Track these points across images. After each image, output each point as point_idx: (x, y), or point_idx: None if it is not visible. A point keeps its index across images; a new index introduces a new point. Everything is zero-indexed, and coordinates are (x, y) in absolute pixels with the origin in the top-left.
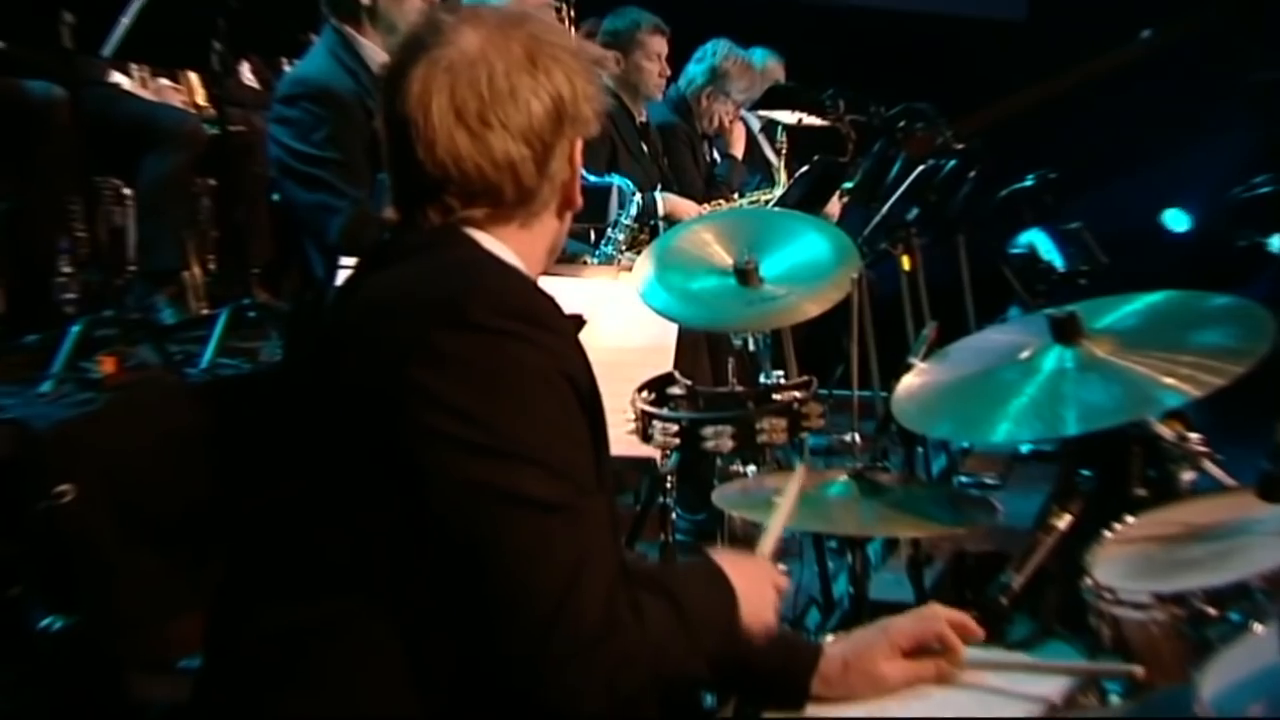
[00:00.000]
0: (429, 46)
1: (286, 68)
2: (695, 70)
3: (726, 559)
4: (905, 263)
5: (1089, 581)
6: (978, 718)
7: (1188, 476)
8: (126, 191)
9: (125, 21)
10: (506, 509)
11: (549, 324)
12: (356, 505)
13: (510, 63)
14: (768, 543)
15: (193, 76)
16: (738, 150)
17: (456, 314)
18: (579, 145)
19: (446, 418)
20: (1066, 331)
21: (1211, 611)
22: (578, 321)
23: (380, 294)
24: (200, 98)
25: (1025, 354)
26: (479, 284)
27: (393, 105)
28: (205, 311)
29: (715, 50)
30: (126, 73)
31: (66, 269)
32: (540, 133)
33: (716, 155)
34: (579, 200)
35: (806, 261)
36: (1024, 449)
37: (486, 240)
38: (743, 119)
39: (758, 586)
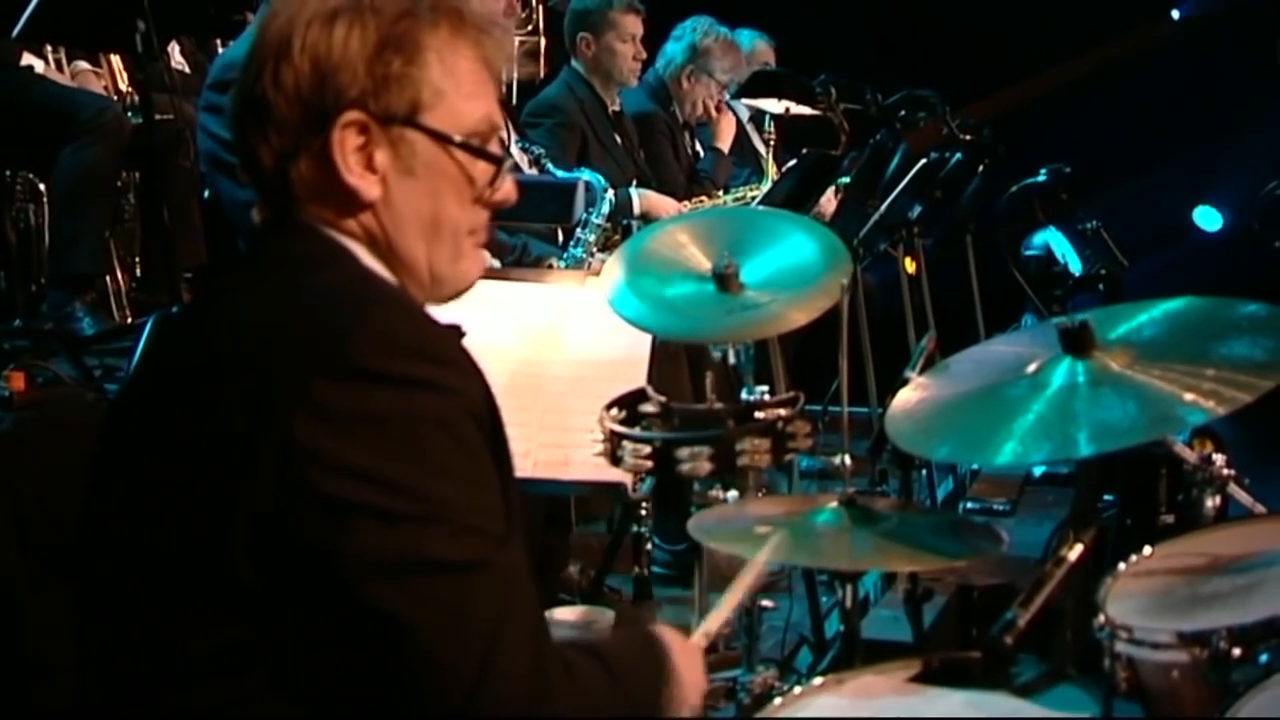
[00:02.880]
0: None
1: (220, 50)
2: (673, 49)
3: (668, 632)
4: (908, 266)
5: (1103, 619)
6: (981, 718)
7: (1212, 503)
8: (41, 187)
9: None
10: (415, 577)
11: (442, 357)
12: (236, 574)
13: (405, 27)
14: (711, 624)
15: (115, 59)
16: (724, 142)
17: (341, 359)
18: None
19: (338, 480)
20: (1077, 342)
21: (1237, 652)
22: (456, 333)
23: (247, 323)
24: (123, 83)
25: (1032, 367)
26: (363, 319)
27: (248, 75)
28: (129, 321)
29: (695, 26)
30: (40, 55)
31: None
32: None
33: (700, 147)
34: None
35: (793, 265)
36: (1037, 472)
37: (359, 252)
38: (730, 108)
39: (693, 671)
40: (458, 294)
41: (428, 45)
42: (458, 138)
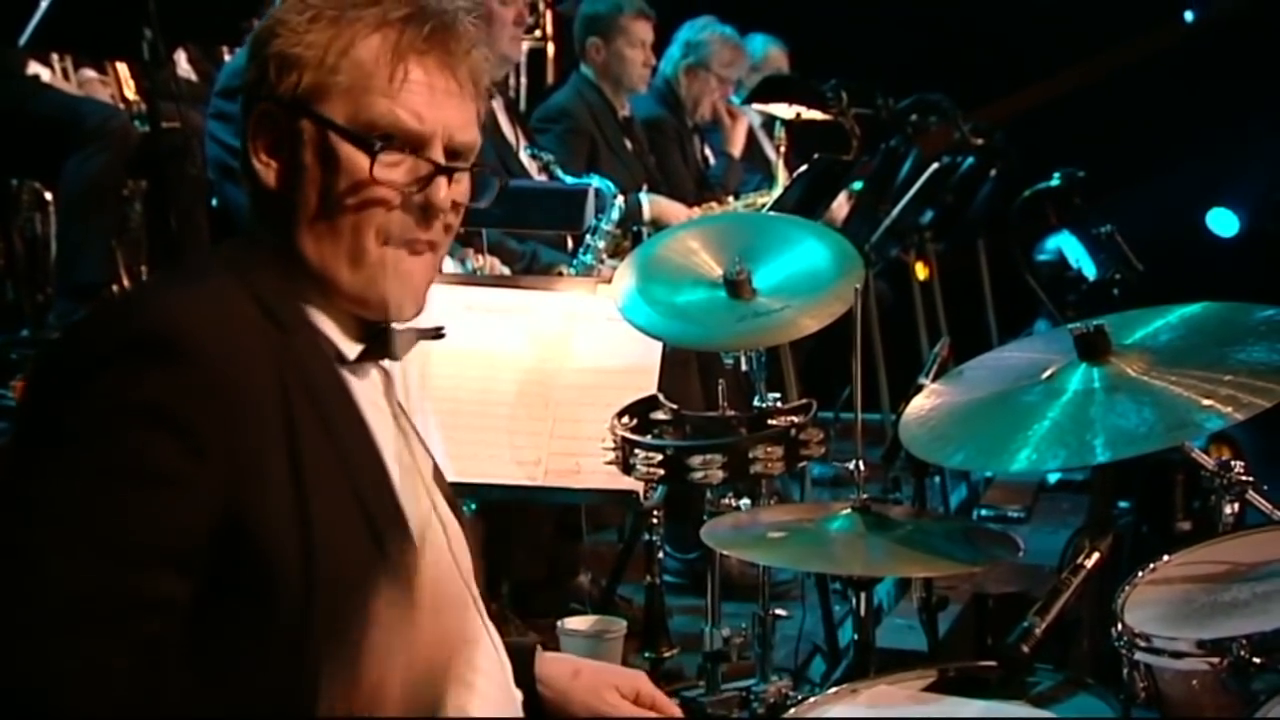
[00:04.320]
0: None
1: (227, 58)
2: (672, 49)
3: None
4: (920, 271)
5: (1121, 627)
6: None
7: (1230, 510)
8: (47, 196)
9: (44, 5)
10: None
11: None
12: None
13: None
14: None
15: (121, 67)
16: (736, 148)
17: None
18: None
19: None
20: (1093, 348)
21: (1257, 661)
22: (434, 333)
23: None
24: (130, 91)
25: (1048, 373)
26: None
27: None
28: None
29: (692, 24)
30: (46, 63)
31: None
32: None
33: (710, 152)
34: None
35: (805, 271)
36: (1052, 479)
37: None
38: (741, 112)
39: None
40: (384, 311)
41: (331, 31)
42: (349, 130)
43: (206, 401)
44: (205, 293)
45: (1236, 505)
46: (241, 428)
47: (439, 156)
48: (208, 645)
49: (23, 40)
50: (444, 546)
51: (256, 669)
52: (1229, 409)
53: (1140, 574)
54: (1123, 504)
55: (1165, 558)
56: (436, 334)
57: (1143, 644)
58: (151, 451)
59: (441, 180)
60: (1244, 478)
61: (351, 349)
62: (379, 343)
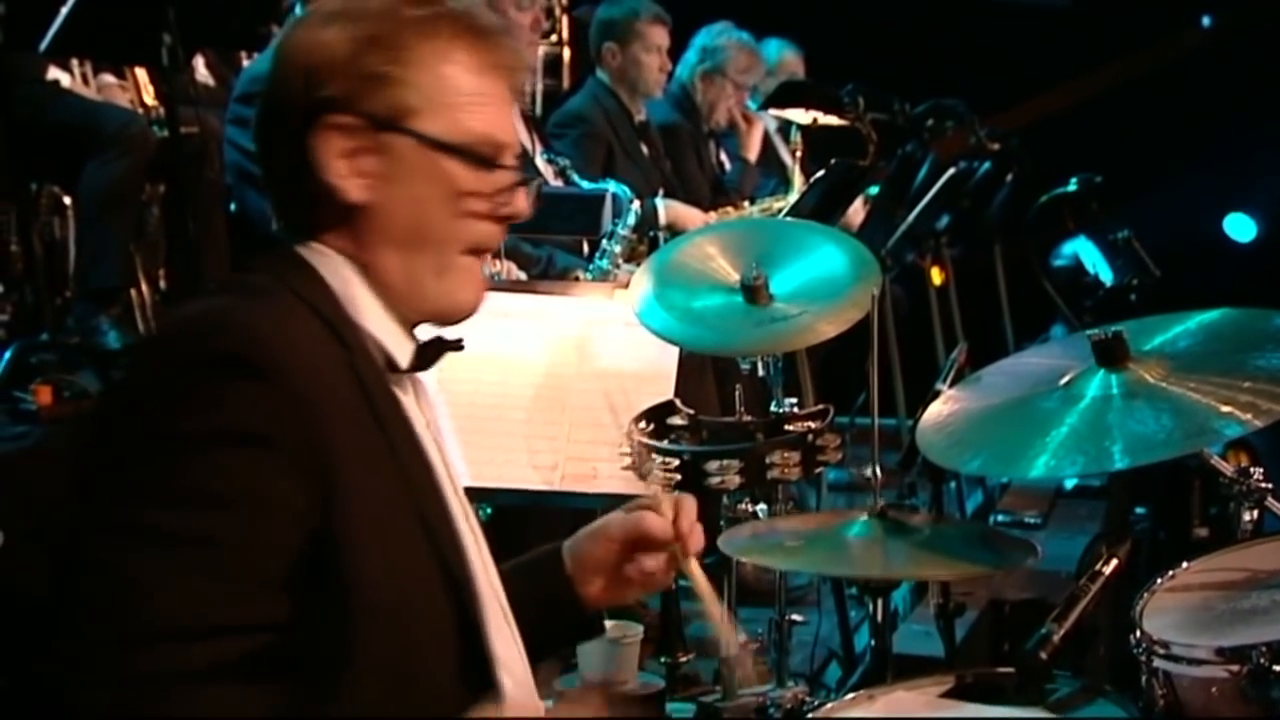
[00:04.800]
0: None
1: (246, 63)
2: (689, 54)
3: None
4: (935, 276)
5: (1140, 634)
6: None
7: (1249, 516)
8: (66, 201)
9: (64, 11)
10: None
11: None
12: None
13: (414, 41)
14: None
15: (140, 73)
16: (752, 153)
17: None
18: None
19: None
20: (1111, 354)
21: (1277, 669)
22: (456, 345)
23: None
24: (149, 96)
25: (1066, 379)
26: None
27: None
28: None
29: (709, 30)
30: (66, 69)
31: None
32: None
33: (725, 158)
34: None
35: (822, 276)
36: (1068, 484)
37: (333, 263)
38: (756, 117)
39: None
40: (455, 317)
41: (417, 48)
42: (448, 144)
43: (296, 420)
44: (277, 310)
45: (1256, 512)
46: (328, 445)
47: (511, 160)
48: (296, 664)
49: (43, 46)
50: (484, 558)
51: (337, 686)
52: (1248, 415)
53: (1159, 581)
54: (1139, 510)
55: (1184, 564)
56: (457, 345)
57: (1161, 651)
58: (246, 472)
59: (522, 189)
60: (1263, 484)
61: (404, 358)
62: (430, 352)
